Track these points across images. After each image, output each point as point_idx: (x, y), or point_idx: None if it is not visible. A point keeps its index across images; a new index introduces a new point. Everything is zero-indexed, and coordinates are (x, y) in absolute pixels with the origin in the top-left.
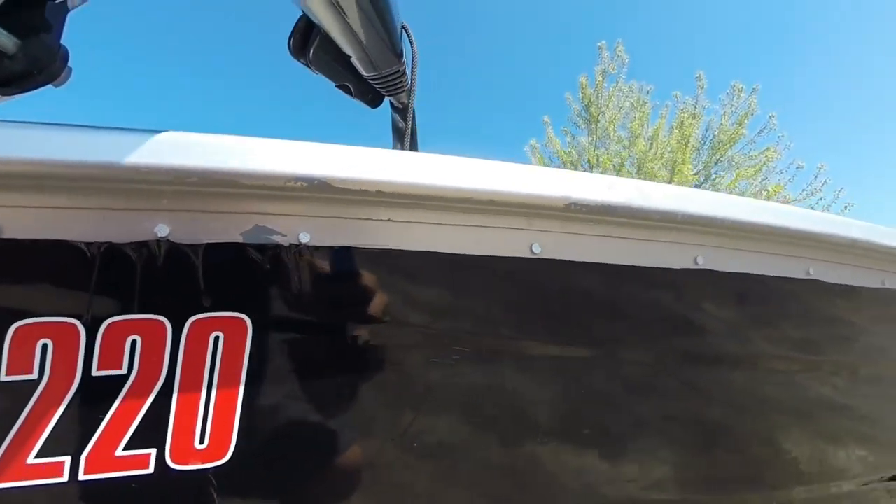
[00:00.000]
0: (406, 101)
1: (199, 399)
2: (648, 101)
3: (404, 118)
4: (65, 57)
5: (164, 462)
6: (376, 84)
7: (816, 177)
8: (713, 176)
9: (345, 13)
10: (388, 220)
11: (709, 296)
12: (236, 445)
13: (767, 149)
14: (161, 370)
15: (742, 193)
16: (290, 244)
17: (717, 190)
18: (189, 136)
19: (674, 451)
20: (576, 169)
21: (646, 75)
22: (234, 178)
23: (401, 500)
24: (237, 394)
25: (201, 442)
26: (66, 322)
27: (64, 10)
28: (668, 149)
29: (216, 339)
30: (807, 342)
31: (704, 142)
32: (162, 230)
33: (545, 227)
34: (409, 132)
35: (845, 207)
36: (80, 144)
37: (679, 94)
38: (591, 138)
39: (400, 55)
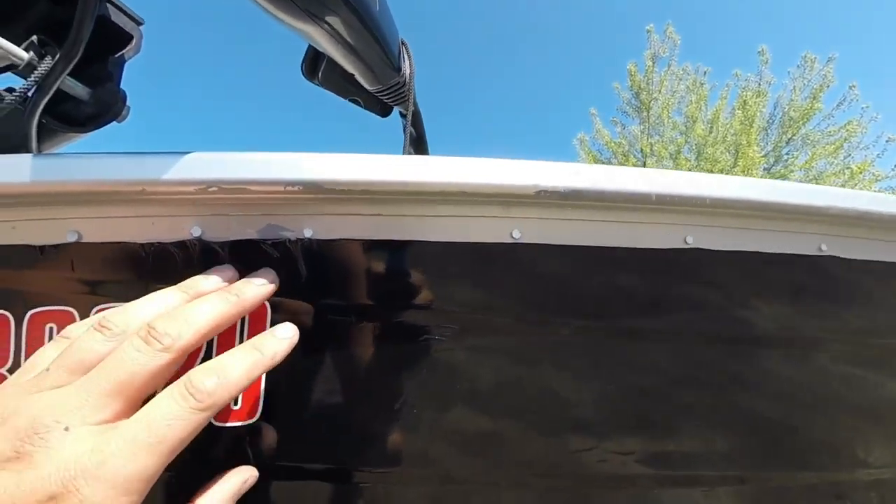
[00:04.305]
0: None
1: None
2: (706, 82)
3: (409, 124)
4: (124, 99)
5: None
6: (381, 96)
7: None
8: (785, 156)
9: (345, 40)
10: (377, 214)
11: (701, 274)
12: (262, 410)
13: (849, 123)
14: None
15: (821, 174)
16: (297, 238)
17: (792, 171)
18: (215, 155)
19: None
20: (628, 159)
21: (701, 56)
22: (247, 187)
23: (427, 462)
24: None
25: (236, 405)
26: None
27: (122, 61)
28: (731, 131)
29: (243, 320)
30: (825, 318)
31: (773, 120)
32: (196, 231)
33: (522, 214)
34: (408, 137)
35: None
36: (144, 166)
37: (740, 72)
38: (643, 126)
39: (399, 69)
